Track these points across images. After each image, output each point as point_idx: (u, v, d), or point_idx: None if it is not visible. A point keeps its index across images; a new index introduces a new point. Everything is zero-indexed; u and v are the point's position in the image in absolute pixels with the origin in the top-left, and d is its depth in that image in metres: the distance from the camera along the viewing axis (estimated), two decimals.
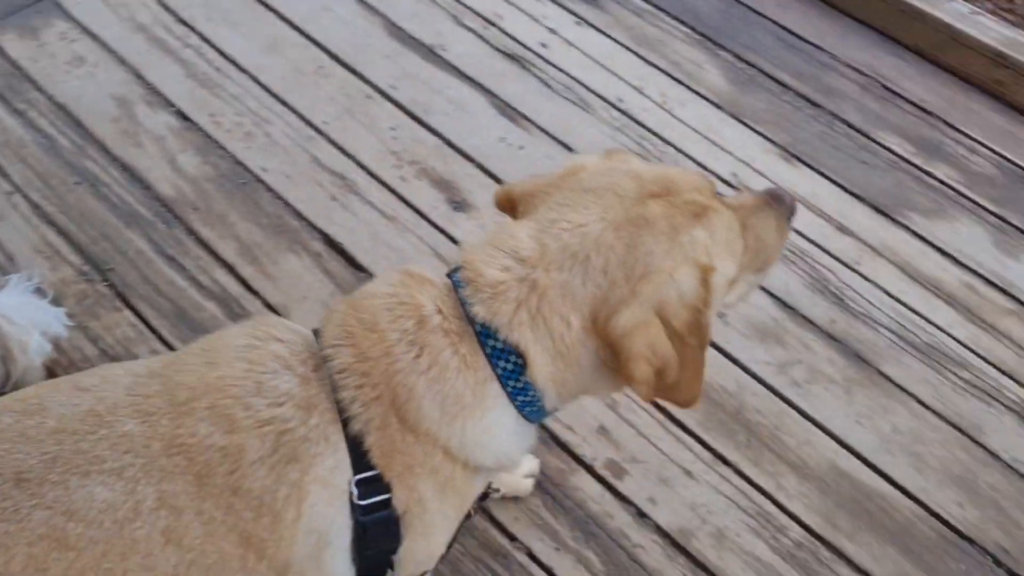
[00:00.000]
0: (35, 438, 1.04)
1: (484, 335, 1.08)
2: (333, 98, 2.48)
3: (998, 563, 1.87)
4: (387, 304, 1.11)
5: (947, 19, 2.79)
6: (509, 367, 1.08)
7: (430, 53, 2.63)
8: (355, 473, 1.07)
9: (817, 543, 1.85)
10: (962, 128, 2.69)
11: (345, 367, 1.08)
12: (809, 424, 2.02)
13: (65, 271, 2.06)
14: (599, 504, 1.85)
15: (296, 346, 1.12)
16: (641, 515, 1.85)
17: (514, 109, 2.53)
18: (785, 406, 2.04)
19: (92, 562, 1.01)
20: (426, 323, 1.09)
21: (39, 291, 1.91)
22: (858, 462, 1.97)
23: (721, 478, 1.91)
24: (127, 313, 2.01)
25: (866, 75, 2.79)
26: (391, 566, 1.15)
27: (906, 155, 2.60)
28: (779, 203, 1.27)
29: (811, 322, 2.19)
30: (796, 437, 1.99)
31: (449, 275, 1.14)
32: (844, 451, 1.99)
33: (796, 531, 1.86)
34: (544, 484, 1.85)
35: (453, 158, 2.39)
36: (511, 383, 1.09)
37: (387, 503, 1.08)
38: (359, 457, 1.07)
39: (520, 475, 1.81)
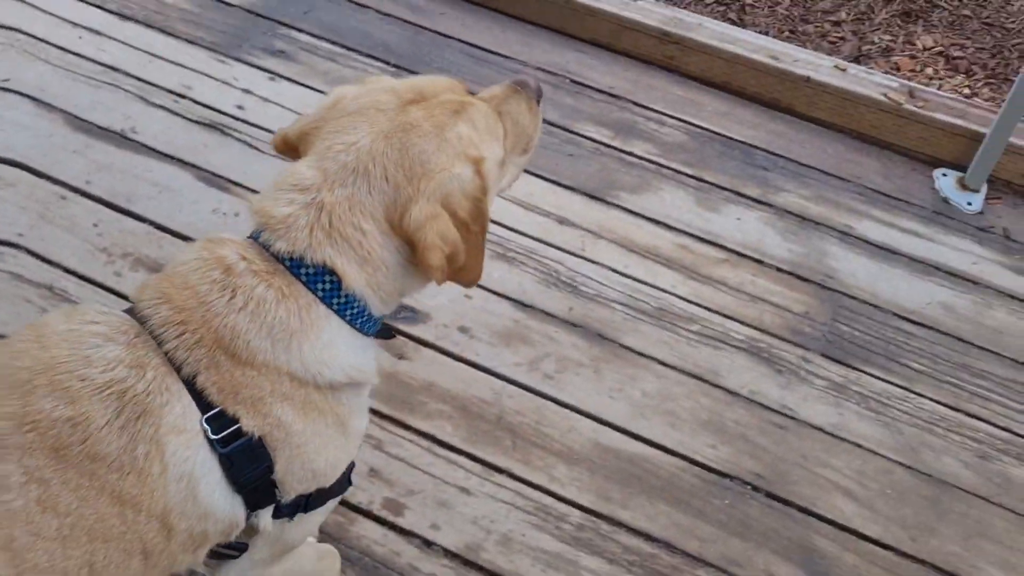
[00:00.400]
0: None
1: (295, 266, 1.16)
2: (24, 207, 2.34)
3: (756, 489, 2.04)
4: (193, 267, 1.17)
5: (613, 9, 3.03)
6: (327, 287, 1.17)
7: (122, 139, 2.54)
8: (202, 413, 1.12)
9: (597, 519, 1.95)
10: (648, 105, 2.92)
11: (164, 322, 1.14)
12: (568, 411, 2.12)
13: None
14: (384, 545, 1.85)
15: (112, 323, 1.15)
16: (427, 544, 1.87)
17: (222, 177, 2.49)
18: (542, 400, 2.13)
19: None
20: (233, 270, 1.16)
21: None
22: (618, 434, 2.09)
23: (497, 486, 1.97)
24: None
25: (555, 74, 2.97)
26: (275, 485, 1.19)
27: (605, 140, 2.79)
28: (526, 88, 1.42)
29: (550, 315, 2.30)
30: (558, 427, 2.09)
31: (250, 236, 1.21)
32: (604, 427, 2.10)
33: (576, 515, 1.95)
34: (326, 542, 1.83)
35: (167, 241, 2.32)
36: (335, 301, 1.18)
37: (240, 432, 1.13)
38: (199, 398, 1.12)
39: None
